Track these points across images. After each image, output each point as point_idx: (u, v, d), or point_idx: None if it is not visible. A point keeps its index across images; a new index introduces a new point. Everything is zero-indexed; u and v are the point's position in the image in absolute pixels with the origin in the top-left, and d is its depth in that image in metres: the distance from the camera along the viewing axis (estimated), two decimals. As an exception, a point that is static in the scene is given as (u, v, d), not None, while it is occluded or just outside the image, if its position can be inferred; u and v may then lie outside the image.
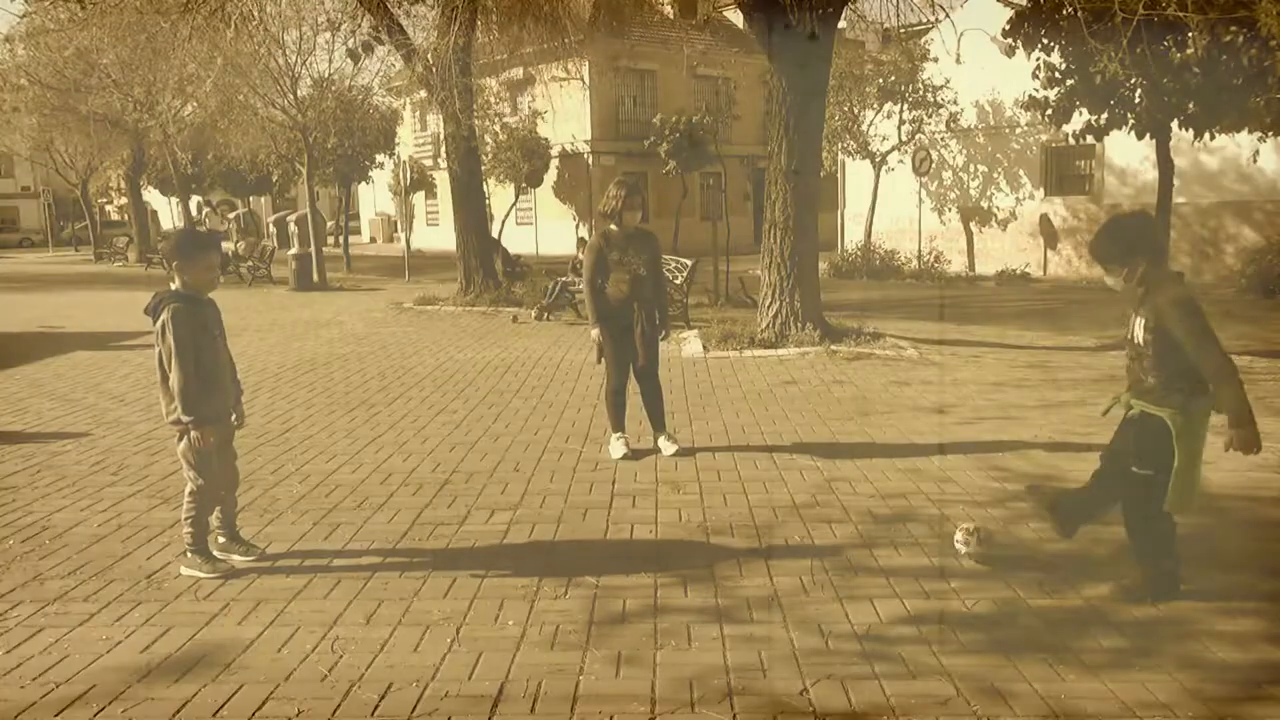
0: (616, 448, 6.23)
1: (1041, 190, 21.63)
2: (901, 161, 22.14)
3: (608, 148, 31.78)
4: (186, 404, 4.17)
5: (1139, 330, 3.77)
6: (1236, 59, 11.46)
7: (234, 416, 4.51)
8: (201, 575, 4.26)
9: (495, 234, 20.63)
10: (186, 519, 4.34)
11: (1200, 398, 3.71)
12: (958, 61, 19.14)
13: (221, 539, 4.52)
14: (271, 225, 33.94)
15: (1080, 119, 13.95)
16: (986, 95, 21.82)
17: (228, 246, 24.46)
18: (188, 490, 4.36)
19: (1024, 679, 3.27)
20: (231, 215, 36.90)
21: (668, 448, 6.26)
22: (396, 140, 31.48)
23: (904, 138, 21.93)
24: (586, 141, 31.69)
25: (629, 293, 6.07)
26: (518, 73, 27.22)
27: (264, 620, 3.82)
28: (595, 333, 6.15)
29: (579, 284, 14.34)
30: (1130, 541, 4.02)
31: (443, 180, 24.21)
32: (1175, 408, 3.72)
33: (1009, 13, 13.48)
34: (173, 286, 4.31)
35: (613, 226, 6.12)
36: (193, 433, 4.22)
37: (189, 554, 4.34)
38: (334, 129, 26.21)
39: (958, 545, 4.33)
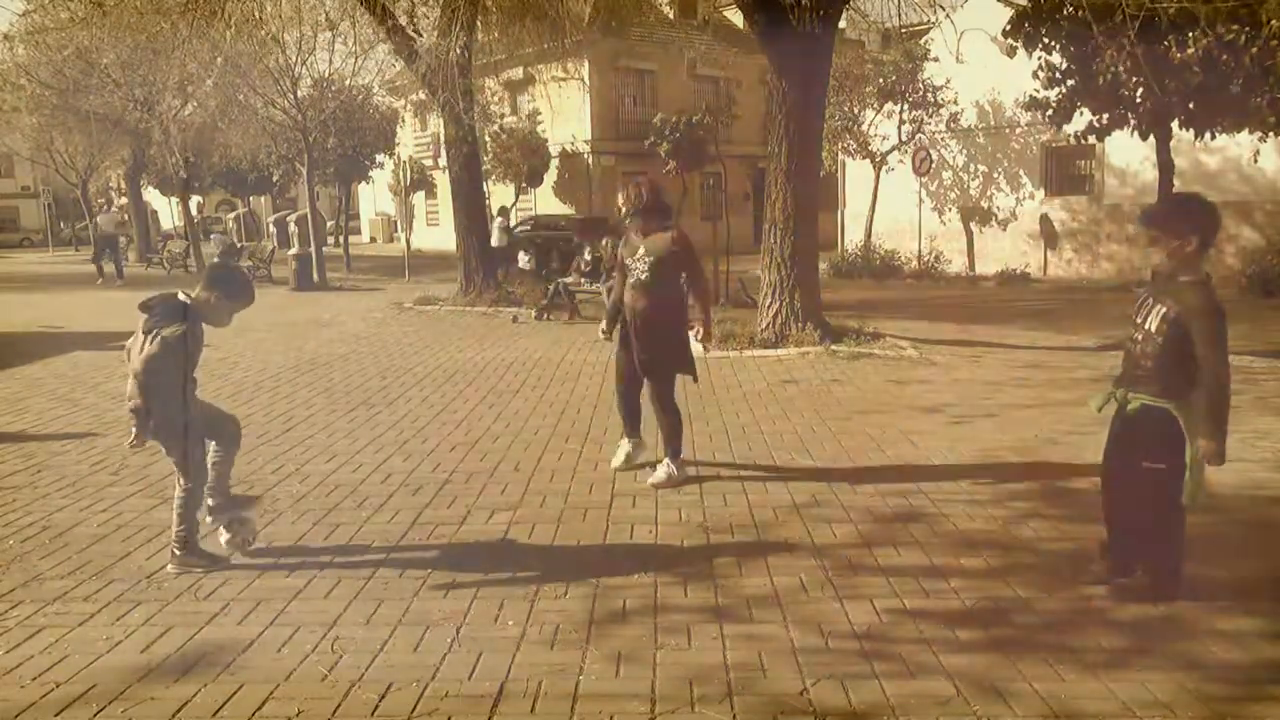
0: (616, 454, 6.00)
1: (1041, 190, 21.62)
2: (901, 161, 22.13)
3: (608, 148, 31.77)
4: (141, 419, 4.17)
5: (1155, 319, 3.73)
6: (1237, 59, 11.46)
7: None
8: (198, 569, 4.28)
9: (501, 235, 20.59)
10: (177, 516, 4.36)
11: (1198, 389, 3.70)
12: (958, 61, 19.14)
13: (211, 501, 4.45)
14: (271, 225, 33.89)
15: (1081, 119, 13.96)
16: (986, 95, 21.81)
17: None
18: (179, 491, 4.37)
19: (1024, 679, 3.27)
20: (231, 215, 36.81)
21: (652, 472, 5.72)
22: (396, 140, 31.48)
23: (904, 138, 21.93)
24: (586, 141, 31.68)
25: (627, 299, 5.70)
26: (518, 73, 27.31)
27: (264, 620, 3.82)
28: (601, 326, 5.98)
29: (584, 284, 14.39)
30: (1128, 540, 3.98)
31: (443, 180, 24.22)
32: (1179, 398, 3.71)
33: (1009, 13, 13.49)
34: (182, 297, 4.23)
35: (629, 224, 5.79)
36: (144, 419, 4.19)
37: (177, 553, 4.36)
38: (334, 129, 26.21)
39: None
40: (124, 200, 40.13)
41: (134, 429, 4.24)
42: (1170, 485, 3.73)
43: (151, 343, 4.12)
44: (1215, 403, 3.61)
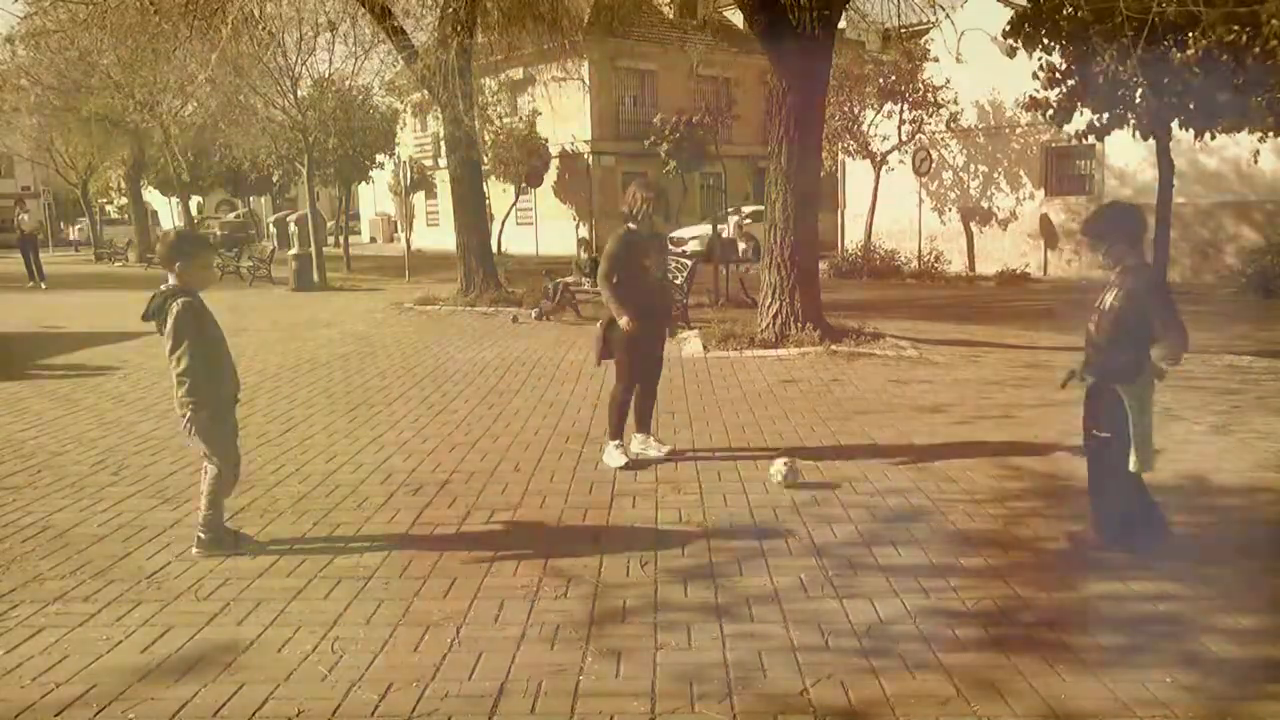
0: (615, 456, 6.01)
1: (1041, 190, 21.63)
2: (902, 161, 22.12)
3: (608, 148, 31.78)
4: (193, 388, 4.34)
5: (1110, 298, 4.30)
6: (1237, 59, 11.45)
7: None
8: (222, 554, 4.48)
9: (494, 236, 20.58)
10: (206, 502, 4.53)
11: (1143, 374, 4.22)
12: (958, 61, 19.12)
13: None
14: (271, 225, 33.93)
15: (1081, 119, 13.96)
16: (986, 95, 21.81)
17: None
18: (210, 476, 4.54)
19: (1024, 678, 3.27)
20: (231, 215, 36.84)
21: (659, 449, 6.10)
22: (396, 140, 31.48)
23: (904, 138, 21.92)
24: (586, 141, 31.69)
25: (652, 299, 5.80)
26: (518, 73, 27.28)
27: (264, 620, 3.82)
28: (624, 321, 5.72)
29: (584, 284, 14.36)
30: (1090, 494, 4.53)
31: (443, 180, 24.21)
32: (1125, 381, 4.23)
33: (1009, 13, 13.49)
34: (163, 288, 4.49)
35: (633, 226, 5.83)
36: (199, 413, 4.39)
37: (203, 537, 4.53)
38: (334, 129, 26.21)
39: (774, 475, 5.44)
40: (124, 200, 40.11)
41: (186, 421, 4.43)
42: (1115, 453, 4.25)
43: (176, 319, 4.36)
44: (1174, 351, 4.20)
